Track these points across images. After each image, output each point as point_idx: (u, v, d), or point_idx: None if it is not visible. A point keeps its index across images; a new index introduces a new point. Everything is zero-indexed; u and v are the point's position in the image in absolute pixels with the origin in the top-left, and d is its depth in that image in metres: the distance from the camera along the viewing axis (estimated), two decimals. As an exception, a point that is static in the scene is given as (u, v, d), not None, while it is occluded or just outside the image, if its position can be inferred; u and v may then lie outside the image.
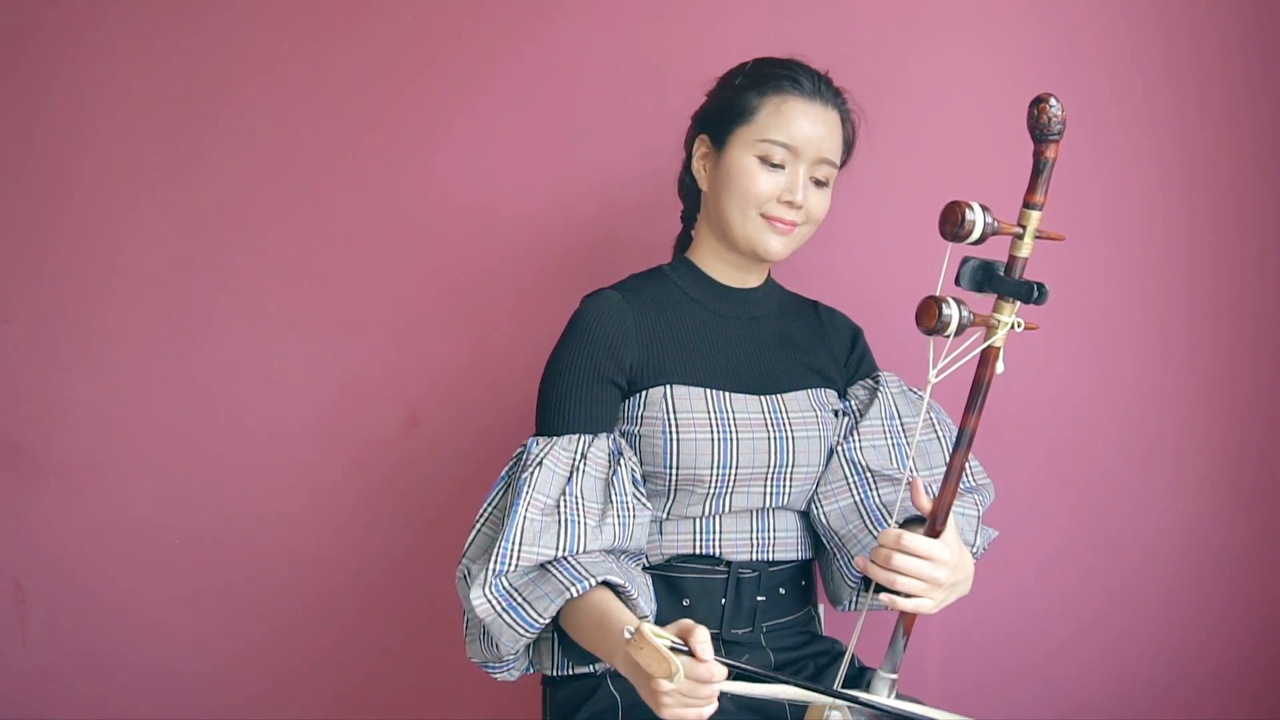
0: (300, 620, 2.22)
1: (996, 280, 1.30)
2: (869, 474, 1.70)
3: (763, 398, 1.68)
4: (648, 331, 1.67)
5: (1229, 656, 2.17)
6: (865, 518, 1.69)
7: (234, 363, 2.19)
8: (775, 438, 1.65)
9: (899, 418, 1.78)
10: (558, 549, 1.50)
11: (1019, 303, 1.31)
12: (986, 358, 1.34)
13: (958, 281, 1.32)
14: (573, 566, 1.49)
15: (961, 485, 1.74)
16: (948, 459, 1.71)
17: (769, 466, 1.64)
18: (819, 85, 1.66)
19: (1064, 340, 2.13)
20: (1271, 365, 2.13)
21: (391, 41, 2.13)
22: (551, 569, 1.50)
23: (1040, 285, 1.27)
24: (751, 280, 1.75)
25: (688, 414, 1.62)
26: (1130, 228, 2.12)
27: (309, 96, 2.14)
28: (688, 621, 1.30)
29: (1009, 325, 1.32)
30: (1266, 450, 2.14)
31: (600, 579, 1.47)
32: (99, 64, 2.14)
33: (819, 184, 1.66)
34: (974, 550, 1.70)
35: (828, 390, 1.76)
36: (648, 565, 1.66)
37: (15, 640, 2.22)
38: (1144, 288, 2.13)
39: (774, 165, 1.63)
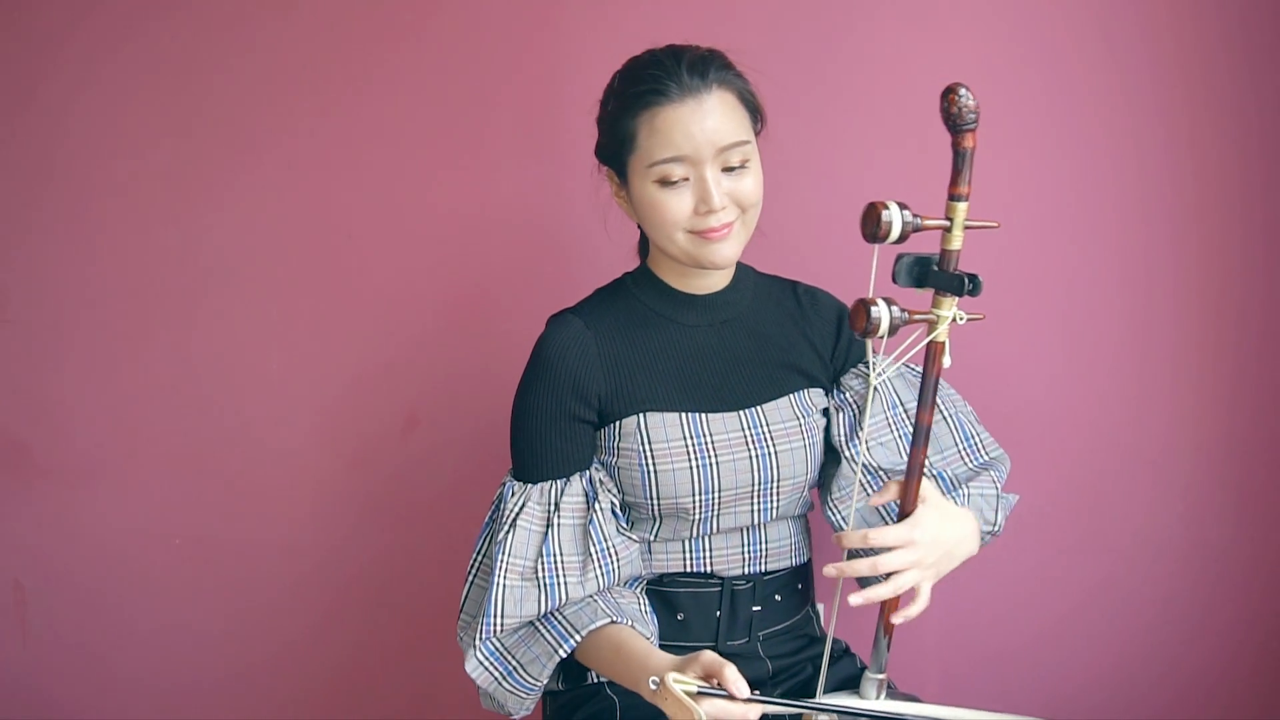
0: (300, 620, 2.26)
1: (932, 275, 1.32)
2: (881, 473, 1.69)
3: (741, 413, 1.65)
4: (614, 358, 1.64)
5: (1226, 654, 2.19)
6: (885, 518, 1.67)
7: (234, 363, 2.22)
8: (756, 455, 1.63)
9: (901, 404, 1.74)
10: (539, 611, 1.54)
11: (957, 296, 1.33)
12: (932, 353, 1.36)
13: (895, 279, 1.34)
14: (559, 624, 1.53)
15: (975, 461, 1.74)
16: (957, 440, 1.73)
17: (753, 485, 1.64)
18: (684, 78, 1.55)
19: (1060, 338, 2.15)
20: (1267, 362, 2.13)
21: (391, 42, 2.15)
22: (540, 626, 1.55)
23: (973, 276, 1.29)
24: (717, 283, 1.70)
25: (663, 443, 1.61)
26: (1129, 225, 2.13)
27: (309, 97, 2.17)
28: (712, 658, 1.33)
29: (949, 319, 1.34)
30: (1262, 449, 2.15)
31: (586, 631, 1.51)
32: (99, 64, 2.17)
33: (736, 169, 1.56)
34: (994, 528, 1.69)
35: (812, 390, 1.72)
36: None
37: (15, 640, 2.26)
38: (1140, 285, 2.14)
39: (675, 183, 1.55)
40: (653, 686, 1.32)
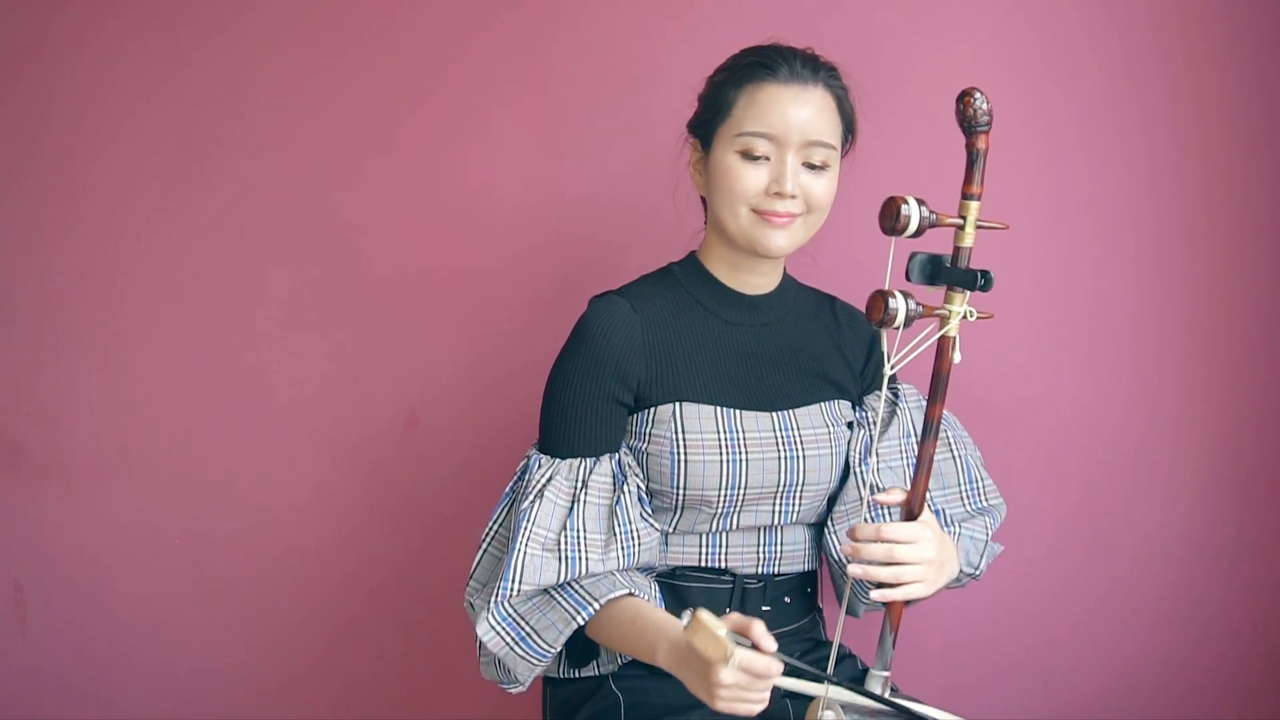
0: (301, 620, 2.28)
1: (944, 272, 1.38)
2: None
3: (774, 415, 1.69)
4: (657, 344, 1.67)
5: (1226, 653, 2.22)
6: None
7: (235, 363, 2.23)
8: (785, 457, 1.67)
9: (915, 434, 1.79)
10: (557, 581, 1.55)
11: (968, 292, 1.39)
12: (943, 348, 1.42)
13: (908, 276, 1.40)
14: (576, 592, 1.54)
15: (973, 505, 1.80)
16: (961, 480, 1.79)
17: (778, 486, 1.67)
18: (796, 66, 1.62)
19: (1062, 338, 2.18)
20: (1268, 362, 2.17)
21: (391, 42, 2.17)
22: (555, 595, 1.56)
23: (985, 273, 1.35)
24: (764, 284, 1.74)
25: (696, 434, 1.64)
26: (1128, 225, 2.16)
27: (309, 97, 2.18)
28: (741, 616, 1.35)
29: (960, 315, 1.39)
30: (1264, 448, 2.19)
31: (604, 600, 1.52)
32: (99, 64, 2.18)
33: (815, 168, 1.63)
34: (976, 572, 1.75)
35: (841, 402, 1.77)
36: (653, 573, 1.70)
37: (15, 640, 2.26)
38: (1141, 285, 2.17)
39: (757, 158, 1.61)
40: (685, 621, 1.32)
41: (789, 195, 1.62)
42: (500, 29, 2.17)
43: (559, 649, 1.57)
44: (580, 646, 1.68)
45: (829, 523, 1.74)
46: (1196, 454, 2.20)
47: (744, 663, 1.31)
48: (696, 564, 1.71)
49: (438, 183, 2.21)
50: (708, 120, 1.68)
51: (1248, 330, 2.18)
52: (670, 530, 1.70)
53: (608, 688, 1.69)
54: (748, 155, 1.62)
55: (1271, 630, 2.22)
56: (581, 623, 1.53)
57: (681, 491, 1.65)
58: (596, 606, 1.53)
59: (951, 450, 1.82)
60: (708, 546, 1.70)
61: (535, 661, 1.58)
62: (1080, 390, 2.20)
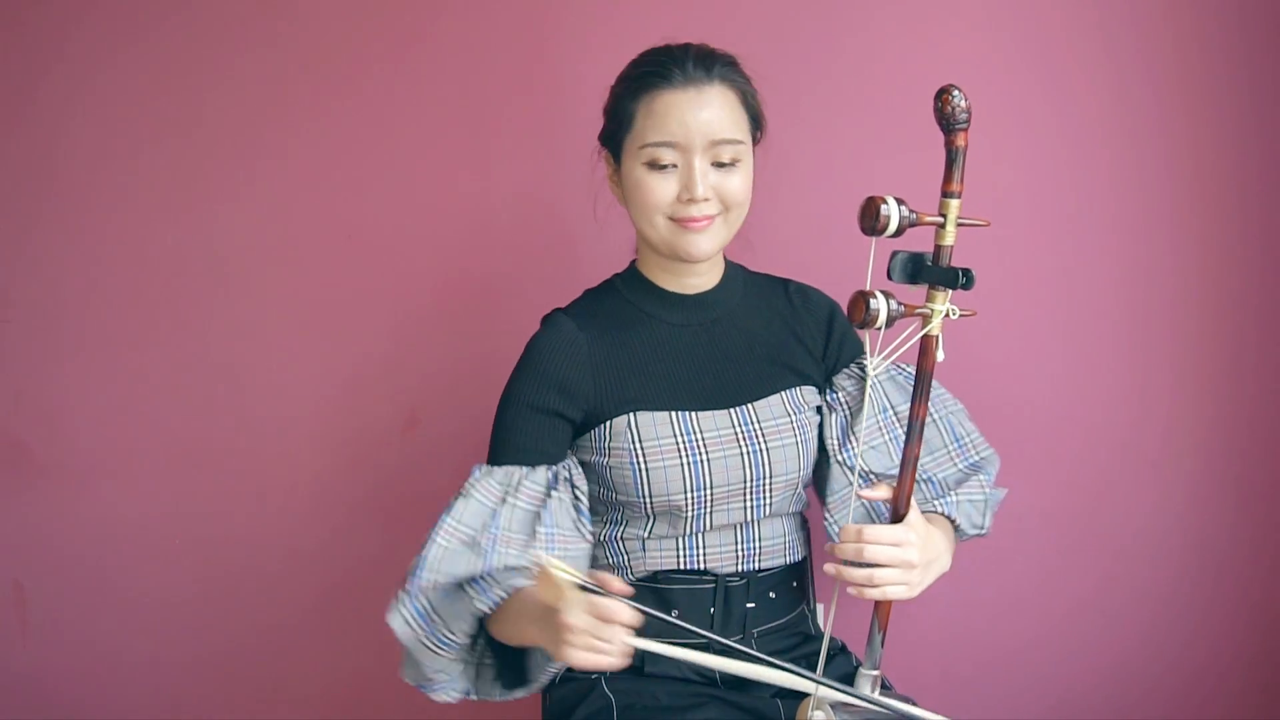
0: (300, 620, 2.29)
1: (926, 270, 1.38)
2: (873, 477, 1.73)
3: (732, 411, 1.70)
4: (604, 358, 1.69)
5: (1219, 650, 2.22)
6: (873, 518, 1.72)
7: (234, 363, 2.24)
8: (748, 452, 1.68)
9: (892, 409, 1.79)
10: (471, 572, 1.55)
11: (950, 290, 1.39)
12: (926, 347, 1.42)
13: (890, 276, 1.40)
14: (484, 582, 1.54)
15: (965, 462, 1.79)
16: (946, 441, 1.78)
17: (745, 482, 1.68)
18: (689, 67, 1.61)
19: (1060, 339, 2.18)
20: (1267, 362, 2.17)
21: (390, 41, 2.18)
22: (466, 586, 1.56)
23: (966, 271, 1.35)
24: (705, 282, 1.75)
25: (654, 441, 1.65)
26: (1118, 219, 2.16)
27: (308, 96, 2.19)
28: (596, 572, 1.36)
29: (943, 313, 1.39)
30: (1262, 449, 2.19)
31: (510, 587, 1.52)
32: (99, 64, 2.19)
33: (725, 166, 1.62)
34: (983, 530, 1.74)
35: (804, 388, 1.76)
36: (634, 579, 1.71)
37: (15, 640, 2.28)
38: (1139, 284, 2.17)
39: (665, 167, 1.61)
40: (533, 568, 1.33)
41: (701, 199, 1.61)
42: (499, 33, 2.18)
43: (463, 640, 1.57)
44: (515, 668, 1.67)
45: (825, 514, 1.74)
46: (1189, 450, 2.20)
47: (588, 603, 1.31)
48: (676, 567, 1.71)
49: (437, 183, 2.21)
50: (613, 133, 1.69)
51: (1239, 325, 2.18)
52: (647, 536, 1.71)
53: (600, 690, 1.70)
54: (655, 166, 1.62)
55: (1264, 627, 2.23)
56: (484, 610, 1.53)
57: (648, 500, 1.66)
58: (500, 594, 1.52)
59: (932, 414, 1.80)
60: (685, 549, 1.71)
61: (440, 652, 1.58)
62: (1072, 386, 2.20)
